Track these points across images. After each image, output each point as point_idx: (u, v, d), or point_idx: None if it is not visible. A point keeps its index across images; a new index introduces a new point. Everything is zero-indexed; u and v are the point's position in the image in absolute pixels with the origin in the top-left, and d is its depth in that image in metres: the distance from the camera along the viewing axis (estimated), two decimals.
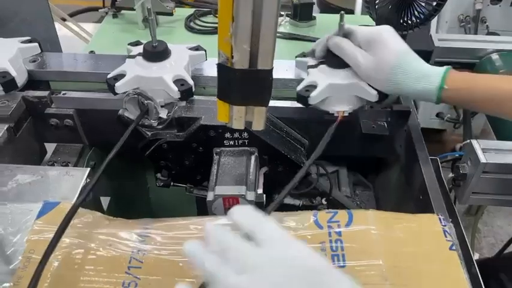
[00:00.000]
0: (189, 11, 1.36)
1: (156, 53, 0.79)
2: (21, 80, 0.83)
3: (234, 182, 0.72)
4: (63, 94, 0.84)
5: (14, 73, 0.80)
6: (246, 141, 0.77)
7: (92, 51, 1.02)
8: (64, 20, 1.88)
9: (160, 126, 0.78)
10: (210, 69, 0.88)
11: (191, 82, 0.78)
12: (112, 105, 0.81)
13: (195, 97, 0.82)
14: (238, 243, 0.43)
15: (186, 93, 0.77)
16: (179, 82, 0.77)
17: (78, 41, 1.86)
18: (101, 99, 0.83)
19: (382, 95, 0.74)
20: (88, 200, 0.69)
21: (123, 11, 1.34)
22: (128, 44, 0.86)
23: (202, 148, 0.78)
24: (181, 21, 1.30)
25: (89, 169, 0.70)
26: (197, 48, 0.86)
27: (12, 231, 0.59)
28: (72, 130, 0.85)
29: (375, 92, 0.73)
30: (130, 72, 0.77)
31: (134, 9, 1.24)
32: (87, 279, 0.56)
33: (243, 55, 0.54)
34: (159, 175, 0.84)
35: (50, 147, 0.91)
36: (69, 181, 0.67)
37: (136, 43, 0.85)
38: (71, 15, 1.94)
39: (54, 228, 0.59)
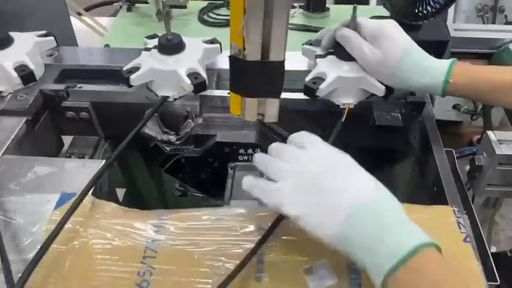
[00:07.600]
0: (203, 3, 1.36)
1: (171, 46, 0.79)
2: (39, 73, 0.85)
3: (248, 196, 0.72)
4: (79, 87, 0.85)
5: (32, 66, 0.82)
6: None
7: (106, 45, 1.04)
8: (80, 14, 1.90)
9: (178, 142, 0.81)
10: (224, 62, 0.88)
11: (204, 75, 0.79)
12: (127, 98, 0.82)
13: (211, 114, 0.83)
14: (290, 147, 0.57)
15: (199, 87, 0.78)
16: (193, 75, 0.78)
17: (94, 35, 1.88)
18: (116, 92, 0.84)
19: (389, 90, 0.73)
20: (104, 191, 0.71)
21: (137, 4, 1.35)
22: (145, 37, 0.86)
23: (218, 163, 0.80)
24: (194, 14, 1.31)
25: (104, 161, 0.71)
26: (212, 41, 0.86)
27: (31, 221, 0.61)
28: (88, 123, 0.86)
29: (383, 87, 0.73)
30: (145, 65, 0.78)
31: (148, 3, 1.25)
32: (104, 268, 0.57)
33: (254, 47, 0.54)
34: (177, 185, 0.87)
35: (67, 139, 0.92)
36: (85, 173, 0.68)
37: (153, 36, 0.86)
38: (86, 9, 1.95)
39: (71, 218, 0.61)
